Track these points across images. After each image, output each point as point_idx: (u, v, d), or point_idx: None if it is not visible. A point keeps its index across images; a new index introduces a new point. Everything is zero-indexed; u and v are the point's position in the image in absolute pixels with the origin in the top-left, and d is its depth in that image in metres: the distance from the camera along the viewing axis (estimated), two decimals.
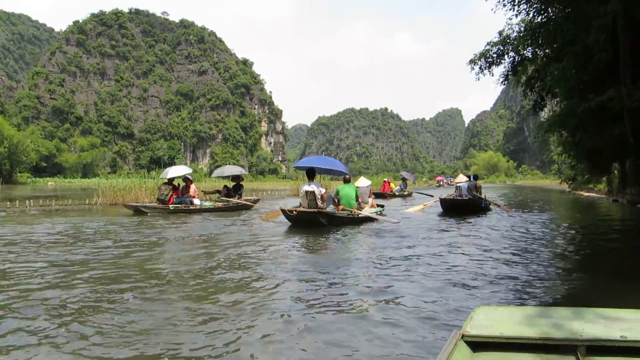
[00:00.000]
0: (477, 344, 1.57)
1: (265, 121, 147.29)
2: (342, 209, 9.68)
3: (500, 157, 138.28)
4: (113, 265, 5.09)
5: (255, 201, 15.68)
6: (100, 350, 2.62)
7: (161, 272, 4.76)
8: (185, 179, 13.53)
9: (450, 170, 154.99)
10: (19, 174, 66.92)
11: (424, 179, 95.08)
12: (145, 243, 6.92)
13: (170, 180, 13.13)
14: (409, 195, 25.44)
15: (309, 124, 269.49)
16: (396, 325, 3.02)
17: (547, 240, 7.59)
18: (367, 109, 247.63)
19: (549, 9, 12.33)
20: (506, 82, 18.14)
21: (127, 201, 14.57)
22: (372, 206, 11.13)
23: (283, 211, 8.97)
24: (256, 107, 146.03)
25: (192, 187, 13.41)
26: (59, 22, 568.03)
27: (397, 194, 24.78)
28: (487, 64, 17.12)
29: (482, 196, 13.75)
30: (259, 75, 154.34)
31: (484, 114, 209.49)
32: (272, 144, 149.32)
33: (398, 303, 3.57)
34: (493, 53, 16.95)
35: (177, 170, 13.84)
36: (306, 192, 9.00)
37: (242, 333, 2.90)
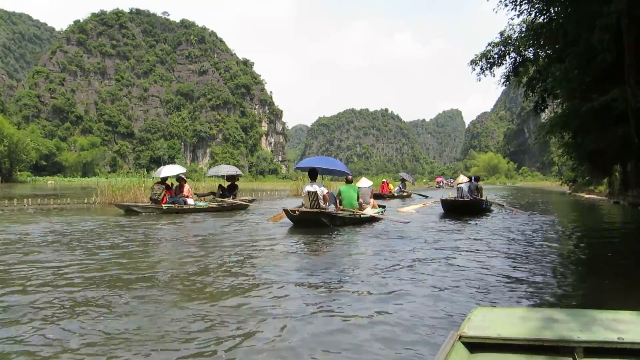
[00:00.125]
0: (475, 345, 1.57)
1: (265, 121, 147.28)
2: (343, 209, 9.65)
3: (500, 159, 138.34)
4: (104, 267, 4.99)
5: (251, 201, 15.56)
6: (86, 357, 2.53)
7: (155, 274, 4.65)
8: (178, 178, 13.33)
9: (450, 172, 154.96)
10: (18, 173, 66.88)
11: (424, 180, 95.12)
12: (138, 243, 6.83)
13: (163, 180, 12.96)
14: (408, 196, 25.32)
15: (309, 125, 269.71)
16: (394, 326, 3.01)
17: (547, 242, 7.52)
18: (367, 109, 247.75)
19: (551, 8, 12.25)
20: (507, 83, 18.03)
21: (126, 200, 14.47)
22: (373, 207, 11.13)
23: (285, 211, 8.97)
24: (256, 107, 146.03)
25: (186, 186, 13.22)
26: (60, 22, 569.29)
27: (395, 195, 24.68)
28: (489, 65, 17.01)
29: (484, 197, 13.72)
30: (260, 75, 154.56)
31: (484, 115, 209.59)
32: (272, 144, 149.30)
33: (396, 303, 3.55)
34: (494, 54, 16.85)
35: (170, 170, 13.63)
36: (308, 192, 9.02)
37: (241, 339, 2.81)
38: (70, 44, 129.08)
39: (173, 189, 13.10)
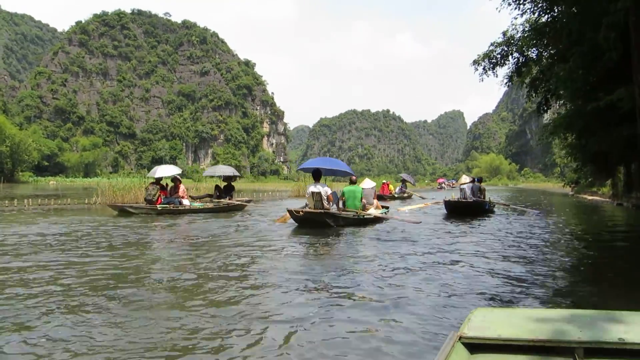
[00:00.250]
0: (475, 346, 1.56)
1: (267, 122, 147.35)
2: (345, 210, 9.66)
3: (502, 160, 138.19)
4: (99, 269, 4.89)
5: (247, 202, 15.42)
6: None
7: (150, 277, 4.54)
8: (174, 179, 13.15)
9: (452, 173, 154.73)
10: (20, 173, 67.00)
11: (426, 181, 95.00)
12: (134, 246, 6.70)
13: (158, 180, 12.82)
14: (409, 197, 25.19)
15: (310, 125, 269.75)
16: (394, 326, 3.00)
17: (549, 243, 7.45)
18: (369, 110, 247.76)
19: (555, 7, 12.14)
20: (510, 83, 17.91)
21: (127, 201, 14.37)
22: (377, 207, 11.14)
23: (290, 212, 9.02)
24: (258, 108, 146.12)
25: (182, 187, 13.04)
26: (62, 23, 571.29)
27: (396, 195, 24.54)
28: (491, 65, 16.90)
29: (487, 199, 13.65)
30: (261, 76, 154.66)
31: (486, 116, 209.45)
32: (273, 145, 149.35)
33: (397, 304, 3.53)
34: (497, 54, 16.74)
35: (165, 170, 13.44)
36: (312, 193, 9.06)
37: (244, 345, 2.70)
38: (72, 44, 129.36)
39: (168, 189, 12.94)
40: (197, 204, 13.18)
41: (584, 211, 17.23)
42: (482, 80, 17.57)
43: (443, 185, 51.69)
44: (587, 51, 9.77)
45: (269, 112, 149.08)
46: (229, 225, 9.55)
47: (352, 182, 10.40)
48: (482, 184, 15.21)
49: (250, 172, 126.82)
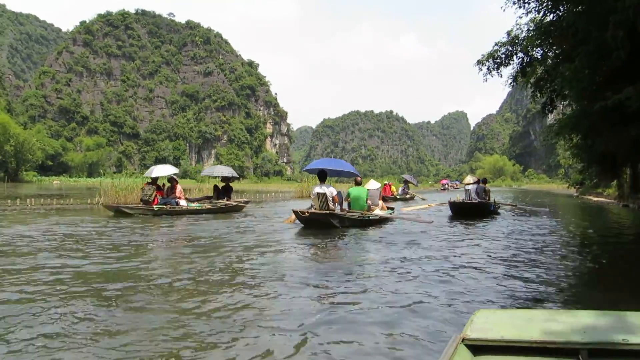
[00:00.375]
0: (478, 348, 1.55)
1: (270, 123, 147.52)
2: (349, 210, 9.64)
3: (506, 161, 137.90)
4: (97, 271, 4.81)
5: (246, 203, 15.29)
6: None
7: (147, 280, 4.45)
8: (170, 179, 12.99)
9: (455, 174, 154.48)
10: (24, 173, 67.24)
11: (429, 182, 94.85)
12: (133, 246, 6.61)
13: (154, 180, 12.66)
14: (411, 198, 24.99)
15: (314, 126, 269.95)
16: (397, 328, 2.97)
17: (554, 244, 7.39)
18: (372, 111, 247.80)
19: (560, 6, 12.00)
20: (515, 83, 17.75)
21: (130, 201, 14.29)
22: (382, 208, 11.13)
23: (295, 212, 9.01)
24: (261, 108, 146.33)
25: (178, 187, 12.88)
26: (66, 23, 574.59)
27: (398, 197, 24.38)
28: (495, 65, 16.74)
29: (492, 200, 13.56)
30: (265, 77, 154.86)
31: (489, 117, 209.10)
32: (277, 146, 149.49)
33: (400, 306, 3.50)
34: (501, 54, 16.57)
35: (162, 170, 13.21)
36: (318, 194, 9.06)
37: (246, 350, 2.62)
38: (76, 44, 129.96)
39: (164, 189, 12.80)
40: (194, 205, 13.01)
41: (589, 213, 17.09)
42: (486, 81, 17.40)
43: (446, 186, 51.48)
44: (593, 50, 9.62)
45: (272, 112, 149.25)
46: (229, 227, 9.46)
47: (358, 183, 10.38)
48: (487, 185, 15.10)
49: (254, 173, 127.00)
